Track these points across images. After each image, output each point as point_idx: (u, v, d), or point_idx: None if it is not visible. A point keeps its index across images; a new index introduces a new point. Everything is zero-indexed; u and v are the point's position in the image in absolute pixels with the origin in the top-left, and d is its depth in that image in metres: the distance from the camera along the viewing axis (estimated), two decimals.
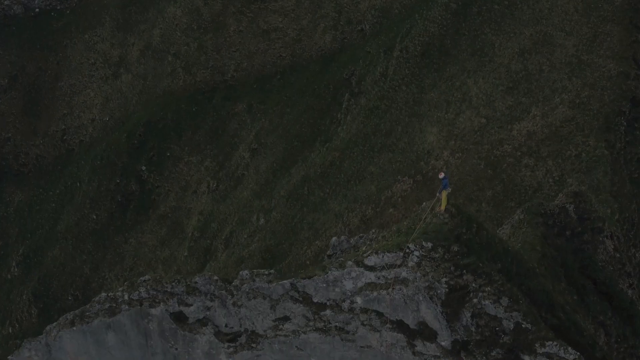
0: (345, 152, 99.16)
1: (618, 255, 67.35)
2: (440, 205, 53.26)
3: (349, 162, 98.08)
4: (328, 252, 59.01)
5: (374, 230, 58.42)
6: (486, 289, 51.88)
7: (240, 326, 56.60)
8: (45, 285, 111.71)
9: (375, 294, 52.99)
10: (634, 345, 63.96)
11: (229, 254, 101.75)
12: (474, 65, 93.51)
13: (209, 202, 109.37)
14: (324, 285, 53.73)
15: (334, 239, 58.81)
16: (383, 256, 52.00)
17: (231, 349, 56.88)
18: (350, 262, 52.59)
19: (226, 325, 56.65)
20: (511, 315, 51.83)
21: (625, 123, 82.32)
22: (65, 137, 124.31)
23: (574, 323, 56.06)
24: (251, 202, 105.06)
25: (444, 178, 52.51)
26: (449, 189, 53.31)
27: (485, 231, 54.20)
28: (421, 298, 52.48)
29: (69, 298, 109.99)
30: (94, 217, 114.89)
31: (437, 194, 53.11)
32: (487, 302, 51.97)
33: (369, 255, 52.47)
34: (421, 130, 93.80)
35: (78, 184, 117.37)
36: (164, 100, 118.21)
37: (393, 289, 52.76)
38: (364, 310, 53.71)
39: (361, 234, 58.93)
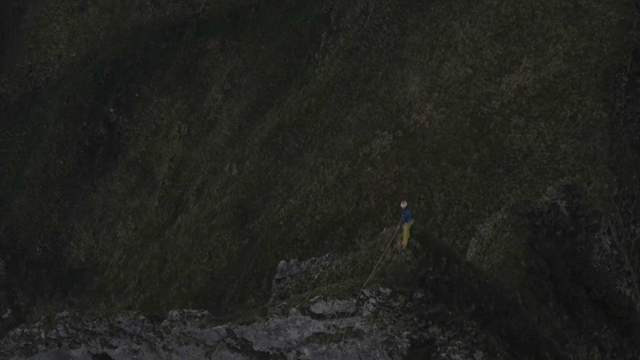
0: (322, 98, 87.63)
1: (616, 252, 56.41)
2: (401, 238, 41.87)
3: (325, 109, 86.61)
4: (276, 276, 48.20)
5: (327, 256, 47.47)
6: (457, 342, 41.11)
7: None
8: (12, 235, 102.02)
9: (324, 347, 42.37)
10: (633, 358, 53.48)
11: (201, 206, 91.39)
12: (461, 5, 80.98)
13: (180, 148, 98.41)
14: (265, 333, 42.92)
15: (282, 262, 48.01)
16: (333, 303, 41.02)
17: None
18: (294, 309, 41.71)
19: None
20: None
21: (626, 79, 70.25)
22: (31, 75, 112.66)
23: None
24: (224, 150, 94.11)
25: (406, 208, 41.06)
26: (412, 221, 41.89)
27: (456, 264, 43.13)
28: (378, 354, 42.07)
29: (37, 250, 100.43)
30: (61, 162, 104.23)
31: (399, 226, 41.70)
32: (457, 356, 41.30)
33: (316, 301, 41.39)
34: (402, 77, 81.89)
35: (45, 126, 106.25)
36: (132, 36, 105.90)
37: (345, 342, 42.04)
38: None
39: (313, 258, 48.09)
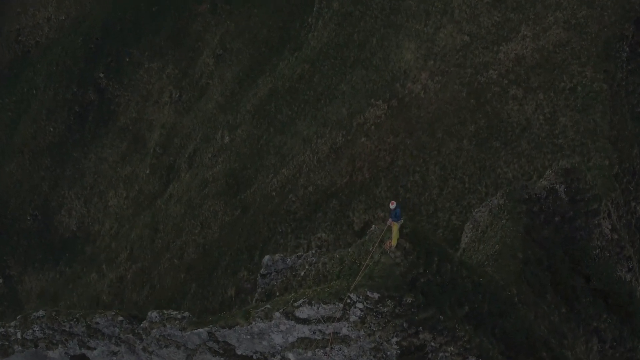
0: (316, 65, 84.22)
1: (616, 236, 53.60)
2: (390, 238, 38.98)
3: (319, 76, 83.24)
4: (261, 271, 45.49)
5: (314, 251, 44.79)
6: (449, 349, 38.47)
7: None
8: (2, 203, 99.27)
9: (309, 353, 39.78)
10: (632, 347, 50.94)
11: (193, 175, 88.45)
12: None
13: (172, 114, 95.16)
14: (248, 337, 40.25)
15: (267, 257, 45.29)
16: (318, 308, 38.26)
17: None
18: (278, 314, 38.99)
19: None
20: None
21: (627, 49, 66.80)
22: (20, 38, 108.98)
23: None
24: (216, 117, 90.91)
25: (396, 208, 38.04)
26: (402, 220, 38.90)
27: (449, 264, 40.27)
28: None
29: (28, 218, 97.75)
30: (51, 129, 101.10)
31: (387, 223, 38.78)
32: None
33: (300, 305, 38.58)
34: (397, 45, 78.39)
35: (34, 91, 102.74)
36: None
37: (332, 348, 39.38)
38: None
39: (299, 254, 45.35)
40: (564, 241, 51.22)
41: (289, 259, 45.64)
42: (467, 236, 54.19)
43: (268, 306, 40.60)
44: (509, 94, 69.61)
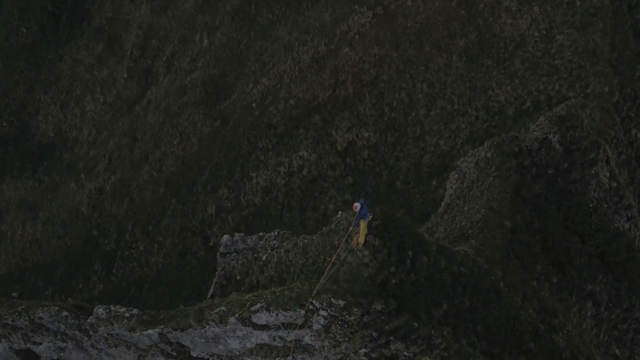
0: None
1: (615, 184, 47.80)
2: (357, 233, 33.39)
3: None
4: (221, 250, 39.93)
5: (277, 232, 39.01)
6: (424, 359, 33.26)
7: None
8: None
9: None
10: (629, 306, 46.07)
11: (171, 80, 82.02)
12: None
13: (149, 14, 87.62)
14: (203, 340, 35.16)
15: (226, 237, 39.89)
16: (277, 314, 32.87)
17: None
18: (233, 319, 33.75)
19: None
20: None
21: None
22: None
23: (546, 350, 37.86)
24: (194, 17, 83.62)
25: (362, 207, 32.11)
26: (370, 216, 33.05)
27: (425, 256, 34.72)
28: None
29: (4, 124, 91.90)
30: (24, 30, 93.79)
31: (352, 226, 33.01)
32: None
33: (258, 310, 33.36)
34: None
35: None
36: None
37: (294, 357, 34.29)
38: None
39: (261, 233, 39.85)
40: (557, 197, 45.42)
41: (249, 239, 40.08)
42: (451, 187, 48.35)
43: (223, 309, 35.24)
44: (502, 6, 62.28)
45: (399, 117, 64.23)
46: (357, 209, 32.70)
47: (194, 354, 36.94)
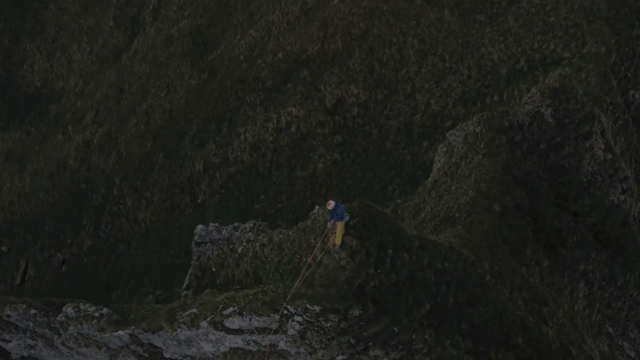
0: None
1: (610, 156, 45.31)
2: (334, 233, 31.21)
3: None
4: (195, 239, 37.72)
5: (252, 224, 36.85)
6: None
7: None
8: None
9: None
10: (623, 284, 44.18)
11: (158, 29, 79.23)
12: None
13: None
14: (175, 342, 33.33)
15: (200, 227, 37.86)
16: (251, 319, 30.87)
17: None
18: (205, 323, 31.78)
19: None
20: None
21: None
22: None
23: (534, 344, 36.07)
24: None
25: (335, 207, 29.93)
26: (347, 217, 30.83)
27: (406, 254, 32.58)
28: None
29: None
30: None
31: (328, 224, 30.80)
32: None
33: (230, 315, 31.35)
34: None
35: None
36: None
37: None
38: None
39: (236, 224, 37.60)
40: (549, 173, 43.04)
41: (224, 230, 37.95)
42: (439, 161, 46.01)
43: (195, 311, 33.24)
44: None
45: (389, 74, 61.51)
46: (331, 206, 30.38)
47: (167, 355, 35.10)
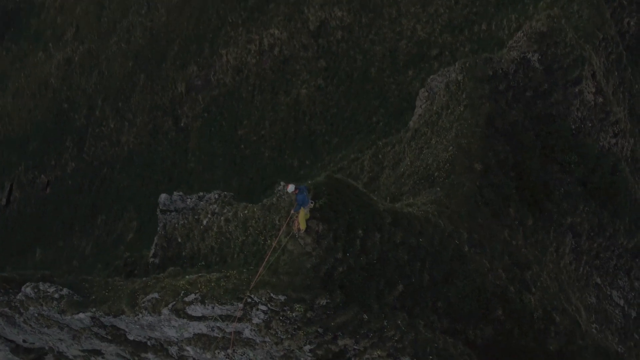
0: None
1: (601, 99, 42.44)
2: (297, 221, 29.11)
3: None
4: (160, 207, 35.48)
5: (217, 195, 34.64)
6: (375, 352, 29.79)
7: (45, 343, 35.65)
8: None
9: (208, 355, 31.09)
10: (613, 233, 42.19)
11: None
12: None
13: None
14: (138, 326, 31.64)
15: (163, 196, 35.78)
16: (213, 307, 29.06)
17: None
18: (166, 311, 30.02)
19: (25, 341, 35.70)
20: None
21: None
22: None
23: (515, 316, 34.46)
24: None
25: (299, 192, 27.67)
26: (311, 204, 28.62)
27: (377, 233, 30.47)
28: None
29: None
30: None
31: (292, 211, 28.58)
32: None
33: (192, 302, 29.54)
34: None
35: None
36: None
37: (234, 351, 30.85)
38: None
39: (201, 193, 35.38)
40: (536, 122, 40.47)
41: (189, 199, 35.64)
42: (421, 107, 43.19)
43: (156, 296, 31.33)
44: None
45: None
46: (290, 190, 28.03)
47: (131, 337, 33.22)
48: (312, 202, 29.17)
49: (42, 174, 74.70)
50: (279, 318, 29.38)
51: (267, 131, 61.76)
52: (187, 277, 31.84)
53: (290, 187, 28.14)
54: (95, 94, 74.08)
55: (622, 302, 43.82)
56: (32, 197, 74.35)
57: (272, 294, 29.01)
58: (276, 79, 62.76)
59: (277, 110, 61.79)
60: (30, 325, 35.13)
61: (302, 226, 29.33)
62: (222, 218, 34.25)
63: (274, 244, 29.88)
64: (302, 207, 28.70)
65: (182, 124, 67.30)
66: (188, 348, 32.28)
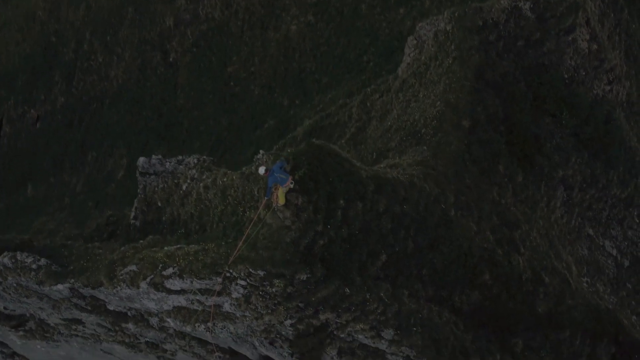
0: None
1: (596, 46, 40.87)
2: (276, 196, 28.14)
3: None
4: (139, 170, 34.51)
5: (196, 160, 33.66)
6: (358, 326, 29.24)
7: (26, 310, 35.23)
8: None
9: (189, 328, 30.60)
10: (606, 184, 41.32)
11: None
12: None
13: None
14: (117, 298, 31.12)
15: (142, 159, 34.18)
16: (192, 282, 28.45)
17: (21, 333, 36.13)
18: (145, 284, 29.38)
19: (5, 308, 35.29)
20: (400, 350, 30.20)
21: None
22: None
23: (503, 279, 33.85)
24: None
25: (272, 173, 26.70)
26: (290, 182, 27.69)
27: (360, 202, 29.65)
28: (257, 343, 30.49)
29: None
30: None
31: (271, 188, 27.65)
32: (361, 336, 29.91)
33: (170, 276, 28.91)
34: None
35: None
36: None
37: (214, 324, 30.32)
38: (181, 335, 31.81)
39: (180, 157, 34.29)
40: (527, 73, 39.01)
41: (168, 163, 34.49)
42: (409, 56, 41.62)
43: (134, 269, 30.55)
44: None
45: None
46: (262, 170, 26.86)
47: (111, 308, 32.56)
48: (291, 182, 27.92)
49: (32, 108, 73.35)
50: (259, 293, 28.56)
51: (256, 68, 60.22)
52: (165, 248, 30.94)
53: (261, 169, 27.00)
54: (83, 27, 72.20)
55: (614, 252, 43.03)
56: (23, 131, 73.17)
57: (250, 269, 28.06)
58: (266, 13, 60.90)
59: (266, 47, 60.12)
60: (10, 294, 34.41)
61: (282, 200, 28.21)
62: (201, 185, 33.20)
63: (254, 216, 28.83)
64: (280, 186, 27.53)
65: (170, 59, 65.70)
66: (168, 319, 31.53)
